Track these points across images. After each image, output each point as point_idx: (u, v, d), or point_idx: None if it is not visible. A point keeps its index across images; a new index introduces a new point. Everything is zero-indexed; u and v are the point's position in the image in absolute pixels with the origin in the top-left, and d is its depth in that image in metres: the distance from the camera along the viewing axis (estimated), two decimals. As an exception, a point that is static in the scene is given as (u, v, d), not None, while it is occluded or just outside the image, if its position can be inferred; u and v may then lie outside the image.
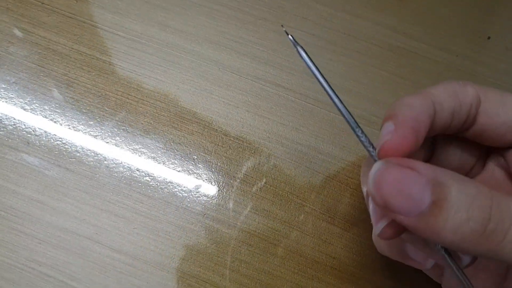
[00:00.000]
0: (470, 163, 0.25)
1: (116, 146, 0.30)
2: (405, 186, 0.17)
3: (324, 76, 0.21)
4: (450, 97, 0.21)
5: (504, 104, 0.21)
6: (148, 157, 0.30)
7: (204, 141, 0.30)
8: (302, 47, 0.21)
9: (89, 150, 0.29)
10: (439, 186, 0.17)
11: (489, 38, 0.35)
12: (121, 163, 0.29)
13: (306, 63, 0.21)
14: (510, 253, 0.17)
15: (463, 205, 0.16)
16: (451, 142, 0.24)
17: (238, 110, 0.31)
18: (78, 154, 0.29)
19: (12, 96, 0.30)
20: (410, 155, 0.19)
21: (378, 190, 0.18)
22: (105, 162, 0.29)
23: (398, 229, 0.20)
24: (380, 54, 0.34)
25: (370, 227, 0.26)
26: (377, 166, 0.18)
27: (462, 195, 0.17)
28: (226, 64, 0.32)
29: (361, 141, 0.21)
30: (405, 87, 0.33)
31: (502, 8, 0.36)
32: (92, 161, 0.29)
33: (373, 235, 0.25)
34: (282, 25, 0.23)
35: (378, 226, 0.20)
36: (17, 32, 0.31)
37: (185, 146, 0.30)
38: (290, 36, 0.22)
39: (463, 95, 0.21)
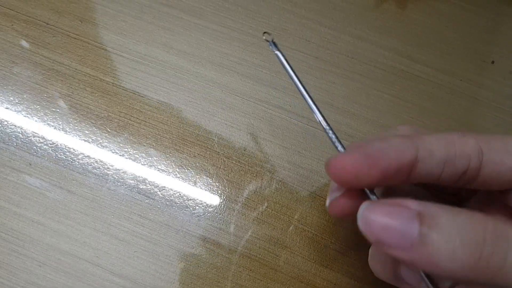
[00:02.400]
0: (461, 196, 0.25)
1: (117, 168, 0.30)
2: (392, 220, 0.17)
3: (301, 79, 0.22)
4: (444, 146, 0.20)
5: (509, 152, 0.20)
6: (150, 180, 0.29)
7: (206, 164, 0.30)
8: (282, 53, 0.22)
9: (91, 172, 0.29)
10: (429, 216, 0.17)
11: (493, 62, 0.35)
12: (122, 185, 0.29)
13: (284, 67, 0.22)
14: None
15: (455, 231, 0.16)
16: None
17: (241, 132, 0.31)
18: (79, 176, 0.29)
19: (15, 116, 0.30)
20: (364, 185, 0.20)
21: (367, 227, 0.18)
22: (107, 184, 0.29)
23: (346, 203, 0.21)
24: (384, 77, 0.34)
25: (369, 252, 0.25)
26: (364, 205, 0.19)
27: (453, 222, 0.17)
28: (229, 86, 0.32)
29: (332, 141, 0.22)
30: (408, 111, 0.33)
31: (506, 32, 0.36)
32: (94, 183, 0.29)
33: (369, 259, 0.25)
34: (264, 33, 0.23)
35: (328, 199, 0.21)
36: (25, 44, 0.32)
37: (187, 169, 0.30)
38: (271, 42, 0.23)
39: (461, 145, 0.20)
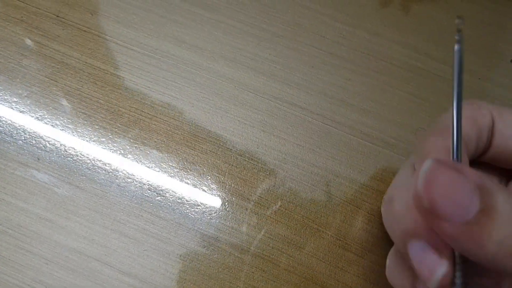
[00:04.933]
0: None
1: (128, 164, 0.29)
2: (455, 190, 0.16)
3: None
4: (471, 126, 0.20)
5: None
6: (160, 176, 0.29)
7: (218, 161, 0.29)
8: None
9: (100, 167, 0.29)
10: (487, 193, 0.16)
11: (511, 61, 0.34)
12: (133, 182, 0.28)
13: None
14: None
15: (509, 216, 0.16)
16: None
17: (254, 129, 0.30)
18: (89, 172, 0.28)
19: (24, 110, 0.30)
20: None
21: (427, 191, 0.16)
22: (116, 180, 0.28)
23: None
24: (400, 75, 0.33)
25: (386, 255, 0.25)
26: (427, 164, 0.17)
27: (507, 205, 0.16)
28: (242, 82, 0.31)
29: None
30: (424, 109, 0.32)
31: (525, 30, 0.35)
32: (103, 179, 0.28)
33: (386, 271, 0.24)
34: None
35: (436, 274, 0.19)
36: (29, 42, 0.31)
37: (199, 166, 0.29)
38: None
39: (481, 119, 0.20)
